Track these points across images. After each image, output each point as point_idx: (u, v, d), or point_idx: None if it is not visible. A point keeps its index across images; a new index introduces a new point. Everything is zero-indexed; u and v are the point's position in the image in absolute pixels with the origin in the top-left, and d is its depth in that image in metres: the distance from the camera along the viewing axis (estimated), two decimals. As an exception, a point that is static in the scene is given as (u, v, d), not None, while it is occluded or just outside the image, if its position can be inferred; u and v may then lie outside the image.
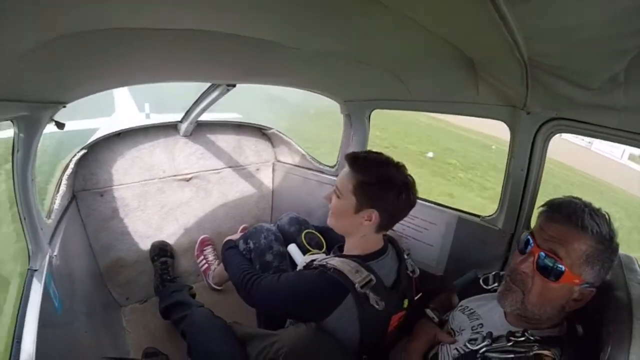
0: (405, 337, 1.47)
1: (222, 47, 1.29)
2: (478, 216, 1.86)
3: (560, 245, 1.02)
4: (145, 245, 2.59)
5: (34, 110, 1.34)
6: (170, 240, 2.69)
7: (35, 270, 1.44)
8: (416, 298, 1.62)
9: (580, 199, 1.10)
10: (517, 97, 1.45)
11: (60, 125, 1.55)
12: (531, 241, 1.09)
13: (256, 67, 1.68)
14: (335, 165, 2.68)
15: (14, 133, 1.35)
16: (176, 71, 1.72)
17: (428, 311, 1.45)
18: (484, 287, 1.39)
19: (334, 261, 1.46)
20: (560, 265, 1.01)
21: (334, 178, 2.61)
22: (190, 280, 2.64)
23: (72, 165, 2.14)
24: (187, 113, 2.52)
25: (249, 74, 1.90)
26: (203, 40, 1.17)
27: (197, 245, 2.72)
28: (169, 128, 2.65)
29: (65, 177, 2.07)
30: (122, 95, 9.41)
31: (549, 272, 1.03)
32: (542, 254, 1.04)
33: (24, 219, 1.45)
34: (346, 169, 1.54)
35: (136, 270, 2.54)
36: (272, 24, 1.12)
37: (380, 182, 1.46)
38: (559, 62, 1.11)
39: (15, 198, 1.43)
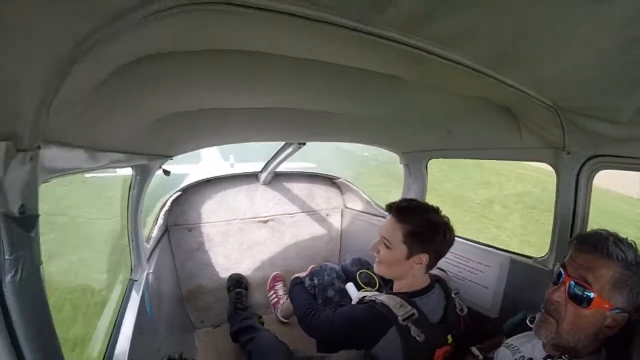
0: None
1: (292, 117, 1.58)
2: (530, 257, 1.84)
3: (589, 272, 1.05)
4: (224, 276, 2.89)
5: (149, 161, 1.71)
6: (246, 274, 2.96)
7: (136, 280, 1.78)
8: (466, 336, 1.68)
9: (606, 230, 1.12)
10: (556, 139, 1.47)
11: (166, 173, 1.97)
12: (562, 272, 1.12)
13: (320, 129, 1.95)
14: None
15: (132, 176, 1.76)
16: (257, 135, 2.07)
17: (473, 349, 1.47)
18: (530, 326, 1.32)
19: (382, 297, 1.60)
20: (590, 292, 1.03)
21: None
22: (261, 312, 2.82)
23: (169, 204, 2.57)
24: (266, 165, 2.87)
25: (315, 135, 2.17)
26: (277, 114, 1.47)
27: (269, 281, 2.94)
28: (251, 177, 3.02)
29: (162, 212, 2.49)
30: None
31: (580, 300, 1.05)
32: (573, 282, 1.06)
33: (132, 240, 1.80)
34: (391, 219, 1.65)
35: (213, 298, 2.82)
36: (326, 99, 1.37)
37: (428, 228, 1.59)
38: (582, 103, 1.15)
39: (127, 223, 1.80)
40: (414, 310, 1.51)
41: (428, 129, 1.92)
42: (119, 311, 1.55)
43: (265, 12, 0.61)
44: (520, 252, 1.92)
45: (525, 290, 1.79)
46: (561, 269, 1.14)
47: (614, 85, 0.96)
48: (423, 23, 0.70)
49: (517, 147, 1.68)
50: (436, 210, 1.66)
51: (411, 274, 1.64)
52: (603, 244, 1.06)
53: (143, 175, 1.78)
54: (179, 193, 2.70)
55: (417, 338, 1.46)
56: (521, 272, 1.86)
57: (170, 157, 1.92)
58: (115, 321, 1.48)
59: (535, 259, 1.80)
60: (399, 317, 1.48)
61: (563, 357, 1.10)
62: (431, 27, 0.72)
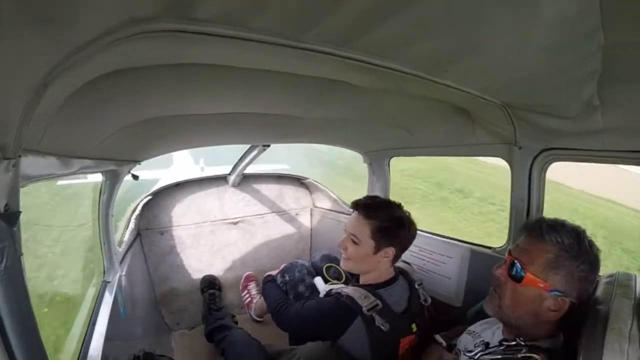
0: None
1: (255, 121, 1.63)
2: (490, 248, 1.91)
3: (526, 254, 1.13)
4: (197, 278, 2.91)
5: (118, 166, 1.75)
6: (219, 275, 2.99)
7: (109, 282, 1.81)
8: (430, 325, 1.74)
9: (546, 217, 1.20)
10: (508, 135, 1.52)
11: (135, 177, 2.02)
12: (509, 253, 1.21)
13: (283, 132, 2.00)
14: None
15: (102, 181, 1.81)
16: (223, 138, 2.13)
17: (437, 336, 1.53)
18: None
19: (348, 289, 1.67)
20: (523, 269, 1.11)
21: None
22: (235, 312, 2.87)
23: (139, 208, 2.59)
24: (234, 167, 2.92)
25: (279, 137, 2.23)
26: (241, 118, 1.52)
27: (242, 281, 2.97)
28: (220, 180, 3.05)
29: (133, 217, 2.52)
30: (179, 151, 10.21)
31: (514, 276, 1.13)
32: (512, 261, 1.15)
33: (104, 243, 1.84)
34: (357, 216, 1.72)
35: (187, 300, 2.84)
36: (287, 105, 1.43)
37: (394, 223, 1.68)
38: (529, 100, 1.19)
39: (99, 227, 1.84)
40: (378, 301, 1.58)
41: (388, 129, 1.98)
42: (93, 312, 1.58)
43: (220, 37, 0.67)
44: (480, 243, 2.00)
45: (486, 279, 1.79)
46: (508, 252, 1.22)
47: (559, 83, 1.00)
48: (352, 37, 0.74)
49: (472, 143, 1.75)
50: (399, 206, 1.76)
51: (378, 267, 1.71)
52: (538, 229, 1.14)
53: (112, 180, 1.82)
54: (150, 197, 2.72)
55: (382, 327, 1.53)
56: (481, 262, 1.93)
57: (138, 162, 1.95)
58: (89, 322, 1.51)
59: (494, 249, 1.88)
60: (363, 308, 1.55)
61: (517, 339, 1.15)
62: (361, 41, 0.76)
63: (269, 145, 2.47)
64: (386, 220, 1.67)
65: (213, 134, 1.90)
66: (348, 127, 2.00)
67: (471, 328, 1.47)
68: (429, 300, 1.81)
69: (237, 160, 2.85)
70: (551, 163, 1.54)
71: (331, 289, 1.80)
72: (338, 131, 2.15)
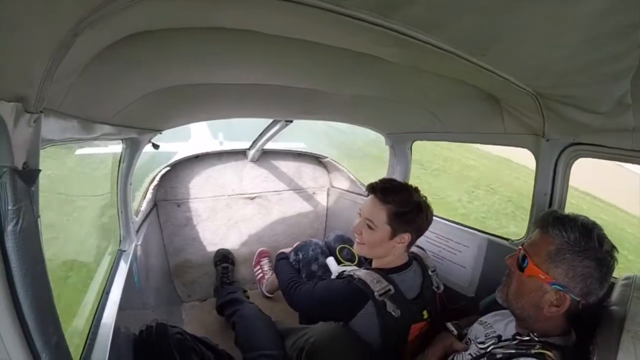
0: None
1: (279, 95, 1.61)
2: (507, 239, 1.88)
3: (533, 245, 1.16)
4: (211, 251, 2.94)
5: (139, 134, 1.75)
6: (233, 250, 3.02)
7: (124, 251, 1.83)
8: (441, 313, 1.73)
9: (556, 210, 1.23)
10: (536, 126, 1.49)
11: (155, 146, 2.00)
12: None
13: (307, 108, 1.98)
14: None
15: (122, 149, 1.81)
16: (245, 111, 2.12)
17: (448, 324, 1.51)
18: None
19: (360, 272, 1.65)
20: (527, 259, 1.14)
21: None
22: (246, 287, 2.88)
23: (157, 179, 2.61)
24: (254, 142, 2.91)
25: (302, 113, 2.20)
26: (265, 91, 1.50)
27: (255, 256, 2.98)
28: (239, 154, 3.05)
29: (151, 187, 2.54)
30: (197, 124, 10.28)
31: (520, 265, 1.17)
32: (522, 252, 1.18)
33: (122, 212, 1.85)
34: (374, 200, 1.68)
35: (200, 272, 2.88)
36: (313, 78, 1.40)
37: (411, 208, 1.63)
38: (562, 91, 1.17)
39: (117, 196, 1.84)
40: (390, 286, 1.56)
41: (413, 111, 1.94)
42: (107, 280, 1.59)
43: None
44: (498, 235, 1.97)
45: (501, 271, 1.81)
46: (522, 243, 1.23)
47: (592, 78, 0.98)
48: (396, 6, 0.72)
49: (499, 132, 1.71)
50: (416, 190, 1.71)
51: (392, 252, 1.68)
52: (544, 222, 1.16)
53: (133, 148, 1.82)
54: (168, 168, 2.73)
55: (393, 313, 1.52)
56: (498, 254, 1.88)
57: (159, 131, 1.95)
58: (104, 290, 1.52)
59: (512, 241, 1.85)
60: (375, 293, 1.53)
61: (531, 334, 1.14)
62: (405, 11, 0.73)
63: (291, 121, 2.44)
64: (404, 205, 1.63)
65: (236, 105, 1.88)
66: (373, 107, 1.97)
67: (483, 319, 1.46)
68: (442, 287, 1.79)
69: (257, 136, 2.84)
70: (577, 158, 1.51)
71: (343, 271, 1.78)
72: (362, 110, 2.12)
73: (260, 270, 2.90)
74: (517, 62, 1.02)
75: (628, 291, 1.12)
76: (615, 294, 1.13)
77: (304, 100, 1.75)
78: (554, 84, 1.13)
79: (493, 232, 2.02)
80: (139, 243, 1.99)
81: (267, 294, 2.80)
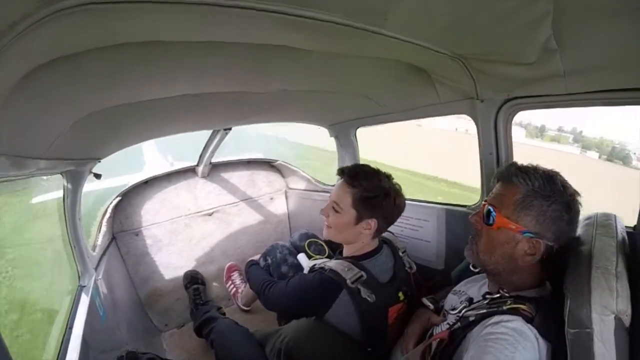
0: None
1: (211, 103, 1.59)
2: (464, 206, 1.91)
3: (498, 198, 1.16)
4: (179, 275, 2.87)
5: (77, 166, 1.68)
6: (201, 269, 2.95)
7: (84, 286, 1.76)
8: (417, 292, 1.74)
9: (516, 162, 1.21)
10: (469, 89, 1.49)
11: (97, 176, 1.93)
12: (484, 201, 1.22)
13: (241, 111, 1.96)
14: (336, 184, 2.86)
15: (64, 185, 1.73)
16: (181, 125, 2.07)
17: (424, 300, 1.52)
18: (474, 270, 1.39)
19: (331, 263, 1.65)
20: (495, 212, 1.13)
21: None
22: (222, 304, 2.82)
23: (109, 211, 2.51)
24: (201, 157, 2.87)
25: (237, 118, 2.19)
26: (196, 101, 1.48)
27: (225, 272, 2.94)
28: (189, 172, 3.00)
29: (104, 220, 2.44)
30: (149, 152, 10.10)
31: (487, 219, 1.16)
32: (486, 207, 1.17)
33: (74, 247, 1.78)
34: (342, 184, 1.68)
35: (172, 298, 2.80)
36: (237, 78, 1.39)
37: (378, 194, 1.62)
38: (484, 49, 1.16)
39: (67, 233, 1.77)
40: (362, 272, 1.57)
41: (350, 99, 1.95)
42: (69, 317, 1.54)
43: (145, 3, 0.64)
44: (455, 203, 2.02)
45: (464, 237, 1.83)
46: (485, 200, 1.23)
47: (511, 27, 0.97)
48: None
49: (435, 102, 1.72)
50: (388, 177, 1.70)
51: (360, 239, 1.69)
52: (507, 173, 1.16)
53: (74, 182, 1.75)
54: (119, 198, 2.64)
55: (368, 299, 1.52)
56: (458, 221, 1.95)
57: (98, 159, 1.89)
58: (66, 326, 1.47)
59: (469, 206, 1.89)
60: (347, 280, 1.53)
61: (501, 291, 1.17)
62: None
63: (230, 129, 2.43)
64: (370, 190, 1.63)
65: (169, 121, 1.85)
66: (309, 101, 1.98)
67: (456, 288, 1.48)
68: (414, 267, 1.80)
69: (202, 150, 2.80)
70: (516, 113, 1.53)
71: (314, 264, 1.78)
72: (298, 105, 2.12)
73: (232, 285, 2.86)
74: (424, 23, 0.98)
75: (591, 229, 1.13)
76: (579, 233, 1.15)
77: (237, 104, 1.73)
78: (474, 42, 1.12)
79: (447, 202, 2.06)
80: (100, 277, 1.93)
81: (244, 307, 2.76)
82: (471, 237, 1.25)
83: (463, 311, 1.22)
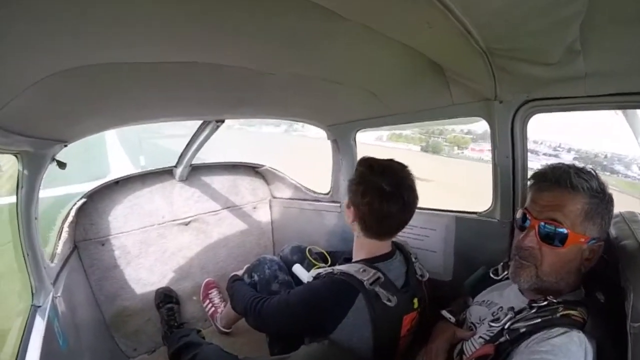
0: (423, 343, 1.44)
1: (208, 79, 1.38)
2: (475, 213, 1.85)
3: (556, 210, 1.05)
4: (150, 292, 2.58)
5: (37, 147, 1.42)
6: (175, 286, 2.67)
7: (39, 306, 1.48)
8: (428, 303, 1.63)
9: (562, 163, 1.13)
10: (488, 90, 1.48)
11: (62, 165, 1.64)
12: (527, 216, 1.11)
13: (239, 99, 1.77)
14: (329, 192, 2.71)
15: (18, 170, 1.42)
16: (169, 110, 1.84)
17: (444, 312, 1.45)
18: (495, 278, 1.38)
19: (341, 267, 1.50)
20: (562, 229, 1.04)
21: (330, 204, 2.66)
22: (199, 326, 2.60)
23: (72, 214, 2.19)
24: (181, 156, 2.59)
25: (234, 107, 1.98)
26: (191, 74, 1.27)
27: (202, 289, 2.71)
28: (165, 174, 2.70)
29: (66, 225, 2.12)
30: (116, 156, 9.77)
31: (553, 239, 1.05)
32: (542, 224, 1.06)
33: (27, 255, 1.50)
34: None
35: (142, 319, 2.51)
36: (249, 52, 1.20)
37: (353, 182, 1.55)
38: (513, 45, 1.13)
39: (19, 235, 1.48)
40: (379, 274, 1.43)
41: (354, 95, 1.82)
42: (20, 345, 1.28)
43: None
44: (465, 210, 1.94)
45: (475, 246, 1.81)
46: (524, 212, 1.14)
47: (543, 25, 0.94)
48: None
49: (447, 105, 1.68)
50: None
51: (359, 241, 1.58)
52: (565, 178, 1.06)
53: (32, 167, 1.46)
54: (84, 200, 2.30)
55: (388, 303, 1.38)
56: (468, 229, 1.89)
57: (64, 142, 1.62)
58: (16, 358, 1.22)
59: (480, 213, 1.82)
60: (365, 282, 1.38)
61: (548, 298, 1.08)
62: None
63: (223, 121, 2.20)
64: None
65: (159, 99, 1.61)
66: (308, 96, 1.84)
67: (479, 298, 1.41)
68: (427, 275, 1.68)
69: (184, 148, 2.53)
70: (533, 115, 1.51)
71: (319, 273, 1.60)
72: (297, 101, 1.99)
73: (210, 304, 2.63)
74: (468, 12, 0.93)
75: (626, 226, 1.16)
76: (615, 231, 1.16)
77: (235, 87, 1.55)
78: (505, 35, 1.07)
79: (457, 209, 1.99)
80: (59, 295, 1.64)
81: (223, 330, 2.51)
82: (520, 259, 1.14)
83: (508, 323, 1.11)
